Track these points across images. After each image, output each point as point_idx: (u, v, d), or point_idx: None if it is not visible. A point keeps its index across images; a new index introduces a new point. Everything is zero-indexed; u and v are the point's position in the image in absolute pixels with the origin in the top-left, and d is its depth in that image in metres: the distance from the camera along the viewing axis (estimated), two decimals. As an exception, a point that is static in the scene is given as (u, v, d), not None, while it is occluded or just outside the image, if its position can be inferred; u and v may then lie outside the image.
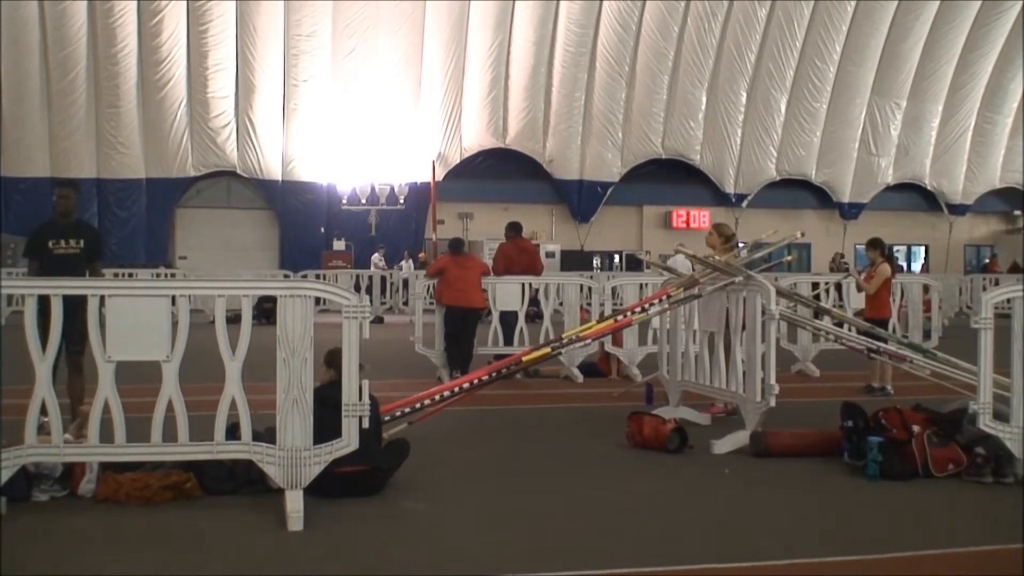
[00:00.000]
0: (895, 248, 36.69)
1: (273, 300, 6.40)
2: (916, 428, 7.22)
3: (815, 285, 15.87)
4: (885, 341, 9.91)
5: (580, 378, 12.69)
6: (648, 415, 8.55)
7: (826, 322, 11.23)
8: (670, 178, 35.68)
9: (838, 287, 15.01)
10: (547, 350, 9.16)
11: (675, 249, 10.81)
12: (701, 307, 9.19)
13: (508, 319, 13.45)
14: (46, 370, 5.92)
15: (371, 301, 22.38)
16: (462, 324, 12.57)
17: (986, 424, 6.80)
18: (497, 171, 33.69)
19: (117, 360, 5.93)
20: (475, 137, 33.37)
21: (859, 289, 12.68)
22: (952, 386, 8.91)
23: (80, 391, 8.24)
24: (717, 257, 9.33)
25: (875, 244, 12.20)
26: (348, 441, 5.98)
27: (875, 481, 7.01)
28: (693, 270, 9.73)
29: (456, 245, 13.59)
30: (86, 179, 30.29)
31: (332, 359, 6.46)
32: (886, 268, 11.92)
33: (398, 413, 7.70)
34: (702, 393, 9.38)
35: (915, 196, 39.22)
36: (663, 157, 35.41)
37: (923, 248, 40.25)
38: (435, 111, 32.52)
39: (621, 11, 32.89)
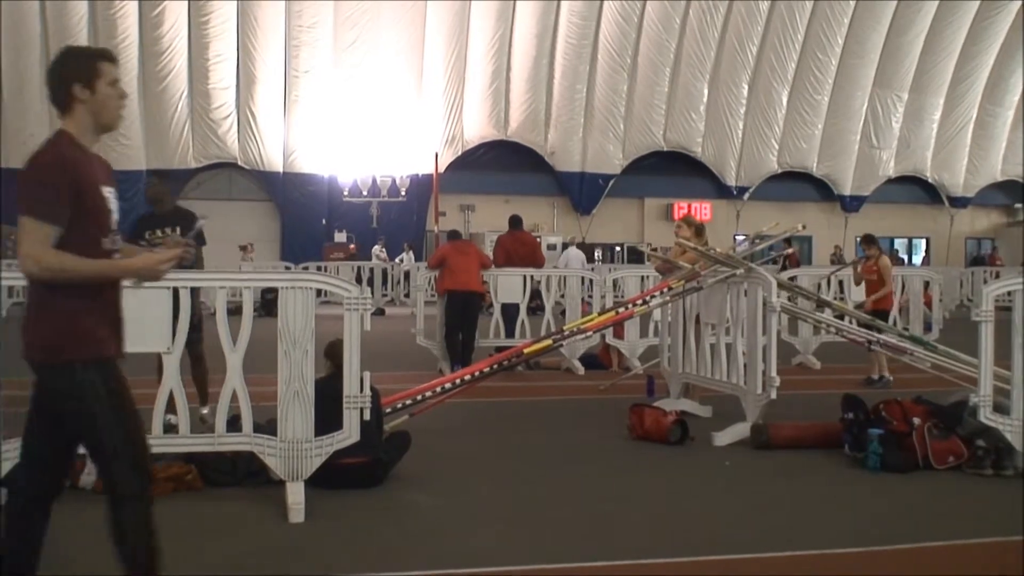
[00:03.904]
0: (895, 241, 36.75)
1: (275, 291, 6.40)
2: (917, 420, 7.23)
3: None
4: (883, 331, 9.93)
5: (581, 370, 12.70)
6: (649, 407, 8.56)
7: (827, 314, 11.23)
8: (672, 170, 35.68)
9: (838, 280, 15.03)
10: (548, 342, 9.16)
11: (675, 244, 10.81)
12: (702, 300, 9.19)
13: (510, 311, 13.46)
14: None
15: (372, 293, 22.39)
16: (464, 311, 12.56)
17: (986, 417, 6.81)
18: (499, 163, 33.69)
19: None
20: (477, 129, 33.37)
21: (857, 282, 12.72)
22: (953, 379, 8.92)
23: (203, 377, 8.45)
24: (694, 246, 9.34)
25: (872, 240, 12.33)
26: (349, 433, 5.98)
27: (876, 473, 7.02)
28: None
29: (455, 235, 13.81)
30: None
31: (330, 351, 6.47)
32: (887, 260, 11.99)
33: (399, 405, 7.70)
34: (702, 384, 9.39)
35: (916, 189, 39.22)
36: (665, 149, 35.40)
37: (924, 241, 40.24)
38: (437, 103, 32.51)
39: (623, 3, 32.88)
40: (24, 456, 3.86)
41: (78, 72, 3.69)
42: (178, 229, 8.21)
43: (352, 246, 29.38)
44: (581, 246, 27.22)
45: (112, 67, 3.80)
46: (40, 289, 3.57)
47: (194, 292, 6.20)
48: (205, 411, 6.75)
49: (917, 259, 39.00)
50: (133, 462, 3.67)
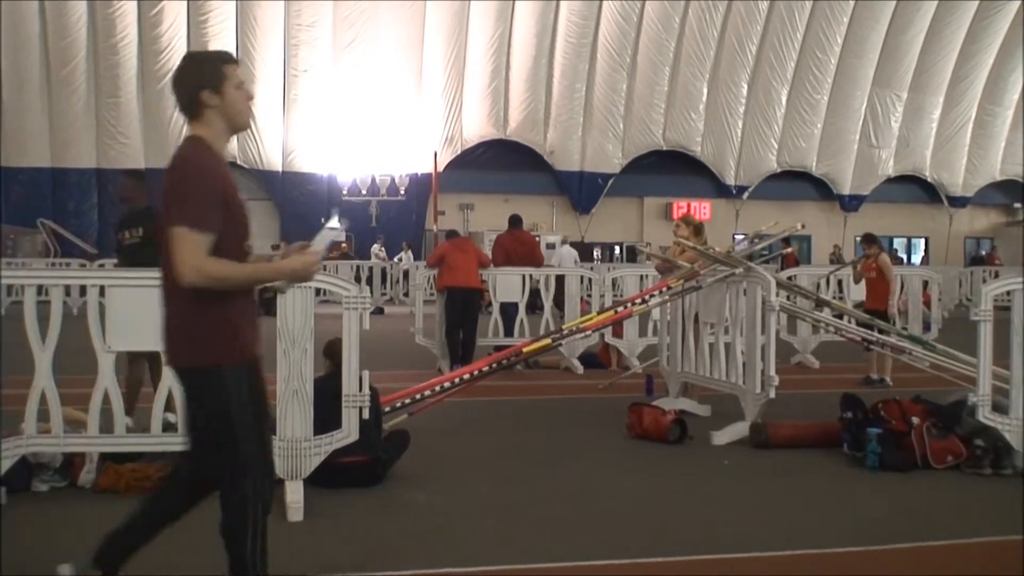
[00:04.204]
0: (895, 240, 36.77)
1: (273, 291, 6.40)
2: (915, 420, 7.23)
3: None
4: (885, 333, 9.93)
5: (580, 369, 12.70)
6: (648, 406, 8.56)
7: (826, 314, 11.24)
8: (671, 169, 35.68)
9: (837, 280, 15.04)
10: (547, 341, 9.16)
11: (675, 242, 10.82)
12: (701, 299, 9.20)
13: (508, 310, 13.47)
14: (47, 360, 5.92)
15: (371, 292, 22.39)
16: (464, 309, 12.56)
17: (985, 416, 6.81)
18: (498, 162, 33.69)
19: (117, 351, 5.93)
20: (476, 128, 33.37)
21: (856, 280, 12.72)
22: (951, 378, 8.93)
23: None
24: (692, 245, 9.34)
25: (872, 239, 12.33)
26: (348, 432, 5.99)
27: (874, 472, 7.02)
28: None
29: (453, 235, 13.84)
30: (86, 169, 30.37)
31: (329, 350, 6.47)
32: (887, 258, 12.00)
33: (398, 404, 7.71)
34: (701, 384, 9.39)
35: (915, 188, 39.23)
36: (664, 148, 35.40)
37: (923, 240, 40.26)
38: (436, 102, 32.51)
39: (622, 2, 32.91)
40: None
41: (205, 78, 3.74)
42: (140, 229, 8.24)
43: (344, 244, 29.37)
44: (577, 245, 27.27)
45: (236, 69, 3.83)
46: (186, 296, 3.58)
47: None
48: (173, 417, 6.57)
49: (916, 258, 39.03)
50: (261, 467, 3.78)
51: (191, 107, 3.75)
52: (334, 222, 3.96)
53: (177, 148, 3.73)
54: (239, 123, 3.81)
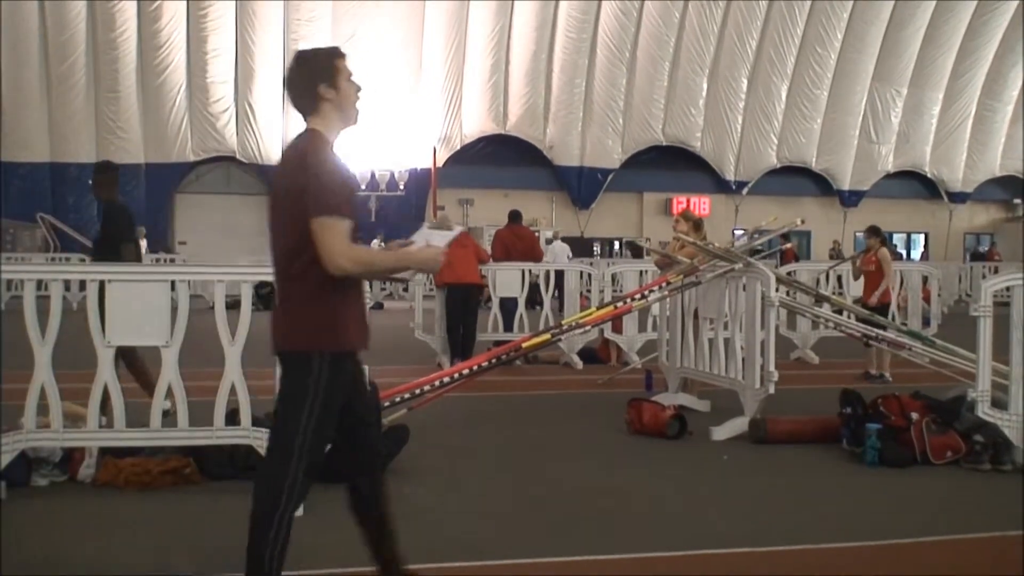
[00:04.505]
0: (894, 236, 36.77)
1: (271, 286, 6.40)
2: (915, 415, 7.23)
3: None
4: (884, 328, 9.93)
5: (580, 364, 12.70)
6: (648, 401, 8.57)
7: (825, 309, 11.24)
8: (670, 165, 35.68)
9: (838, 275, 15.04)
10: (547, 336, 9.16)
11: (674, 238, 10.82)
12: (701, 294, 9.19)
13: (508, 305, 13.47)
14: (46, 355, 5.92)
15: (371, 287, 22.37)
16: (463, 305, 12.56)
17: (985, 412, 6.82)
18: (498, 157, 33.67)
19: (117, 345, 5.93)
20: (475, 123, 33.36)
21: (856, 276, 12.72)
22: (951, 373, 8.92)
23: (142, 367, 7.83)
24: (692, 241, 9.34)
25: (876, 231, 12.29)
26: (347, 427, 5.98)
27: (873, 468, 7.03)
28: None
29: None
30: (85, 164, 30.28)
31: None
32: (887, 252, 11.99)
33: (398, 399, 7.70)
34: (700, 379, 9.40)
35: (915, 184, 39.22)
36: (663, 144, 35.39)
37: (923, 236, 40.26)
38: (436, 97, 32.50)
39: (622, -3, 32.85)
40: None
41: (320, 72, 3.82)
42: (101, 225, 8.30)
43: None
44: (577, 240, 27.23)
45: (346, 63, 3.92)
46: (305, 284, 3.68)
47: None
48: (167, 404, 6.56)
49: (916, 254, 39.04)
50: (308, 458, 3.77)
51: (308, 102, 3.83)
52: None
53: (297, 143, 3.81)
54: (351, 115, 3.95)
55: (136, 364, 7.77)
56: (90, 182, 9.05)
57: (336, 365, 3.75)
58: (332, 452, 4.02)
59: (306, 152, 3.72)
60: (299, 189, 3.63)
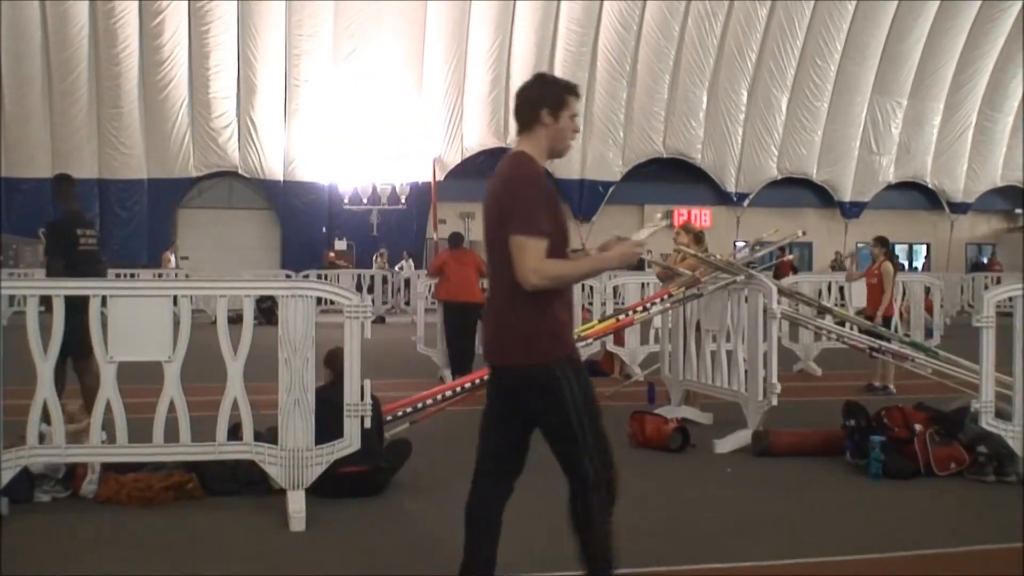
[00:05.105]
0: (896, 247, 36.71)
1: (271, 300, 6.41)
2: (918, 427, 7.22)
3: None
4: (887, 340, 9.92)
5: (581, 377, 12.67)
6: (650, 415, 8.56)
7: (828, 321, 11.23)
8: (671, 177, 35.67)
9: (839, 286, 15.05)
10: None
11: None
12: (703, 307, 9.19)
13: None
14: (48, 370, 5.92)
15: (373, 301, 22.39)
16: (461, 319, 12.54)
17: (988, 423, 6.80)
18: (498, 171, 33.66)
19: (119, 361, 5.93)
20: (476, 137, 33.37)
21: (848, 279, 12.72)
22: (954, 384, 8.92)
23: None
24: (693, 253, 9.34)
25: (882, 242, 12.30)
26: (350, 441, 5.98)
27: (877, 480, 7.01)
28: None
29: (455, 240, 13.59)
30: (88, 179, 30.36)
31: (330, 359, 6.47)
32: (890, 267, 11.99)
33: (400, 413, 7.70)
34: (703, 392, 9.38)
35: (916, 195, 39.19)
36: (664, 156, 35.40)
37: (924, 246, 40.23)
38: (436, 111, 32.53)
39: (622, 10, 32.88)
40: (482, 459, 4.40)
41: (549, 98, 4.00)
42: (93, 232, 8.31)
43: (332, 254, 29.26)
44: (579, 253, 27.11)
45: (577, 103, 4.08)
46: (522, 297, 3.85)
47: (82, 304, 6.05)
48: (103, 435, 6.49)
49: (918, 264, 39.00)
50: (601, 452, 4.02)
51: (527, 121, 4.04)
52: (661, 220, 4.69)
53: (508, 162, 4.03)
54: (559, 149, 4.07)
55: (87, 381, 7.62)
56: (53, 191, 9.09)
57: (573, 364, 3.97)
58: (496, 450, 4.31)
59: (514, 172, 3.94)
60: (506, 207, 3.85)
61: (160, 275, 23.61)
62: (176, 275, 23.76)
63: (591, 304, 14.58)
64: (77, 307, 5.99)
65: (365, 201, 31.15)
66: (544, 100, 3.98)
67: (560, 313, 3.96)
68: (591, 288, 14.98)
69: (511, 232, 3.80)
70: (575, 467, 4.03)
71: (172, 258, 27.09)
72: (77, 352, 6.64)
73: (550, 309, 3.91)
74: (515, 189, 3.88)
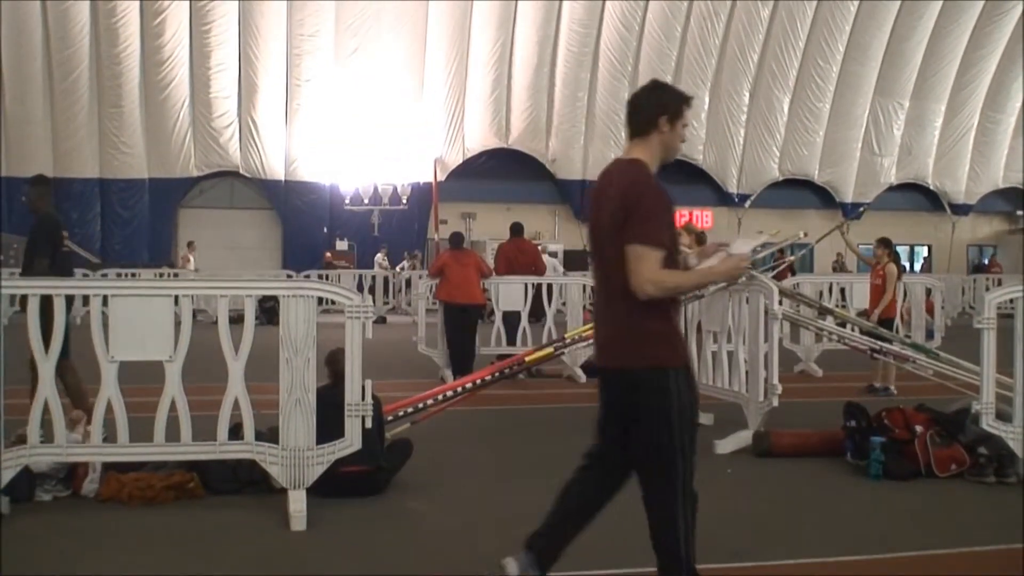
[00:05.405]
0: (897, 248, 36.70)
1: (274, 300, 6.41)
2: (919, 428, 7.22)
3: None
4: (889, 341, 9.92)
5: (583, 378, 12.68)
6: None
7: (829, 322, 11.23)
8: (673, 178, 35.29)
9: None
10: (550, 350, 9.16)
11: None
12: (704, 307, 9.19)
13: (511, 319, 13.46)
14: (50, 370, 5.93)
15: (374, 301, 22.39)
16: (461, 320, 12.55)
17: (989, 424, 6.79)
18: (500, 171, 33.67)
19: (120, 360, 5.94)
20: (478, 137, 33.37)
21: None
22: (955, 386, 8.91)
23: (78, 385, 7.81)
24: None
25: (885, 243, 12.34)
26: (351, 441, 5.98)
27: (878, 481, 7.02)
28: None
29: (456, 240, 13.60)
30: (89, 179, 30.40)
31: (331, 360, 6.47)
32: (893, 269, 12.01)
33: (401, 413, 7.70)
34: (704, 392, 9.37)
35: (918, 196, 39.19)
36: (666, 157, 35.37)
37: (926, 248, 40.21)
38: (438, 111, 32.53)
39: (624, 11, 32.89)
40: (594, 458, 4.45)
41: (668, 107, 4.07)
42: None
43: (328, 254, 29.24)
44: (580, 254, 27.07)
45: (689, 113, 4.18)
46: (641, 305, 3.89)
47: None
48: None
49: (918, 266, 38.97)
50: (695, 462, 4.05)
51: (644, 126, 4.08)
52: (761, 236, 4.80)
53: (625, 168, 4.06)
54: (669, 156, 4.18)
55: (68, 379, 7.60)
56: (23, 199, 9.06)
57: (687, 375, 4.01)
58: (605, 447, 4.33)
59: (635, 181, 3.99)
60: (625, 214, 3.88)
61: (177, 275, 23.55)
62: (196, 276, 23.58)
63: (592, 305, 14.56)
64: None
65: (366, 201, 31.15)
66: (664, 108, 4.05)
67: (674, 320, 4.06)
68: (592, 288, 14.96)
69: (630, 240, 3.85)
70: (668, 474, 4.03)
71: (192, 259, 26.99)
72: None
73: (667, 315, 4.00)
74: (638, 198, 3.92)
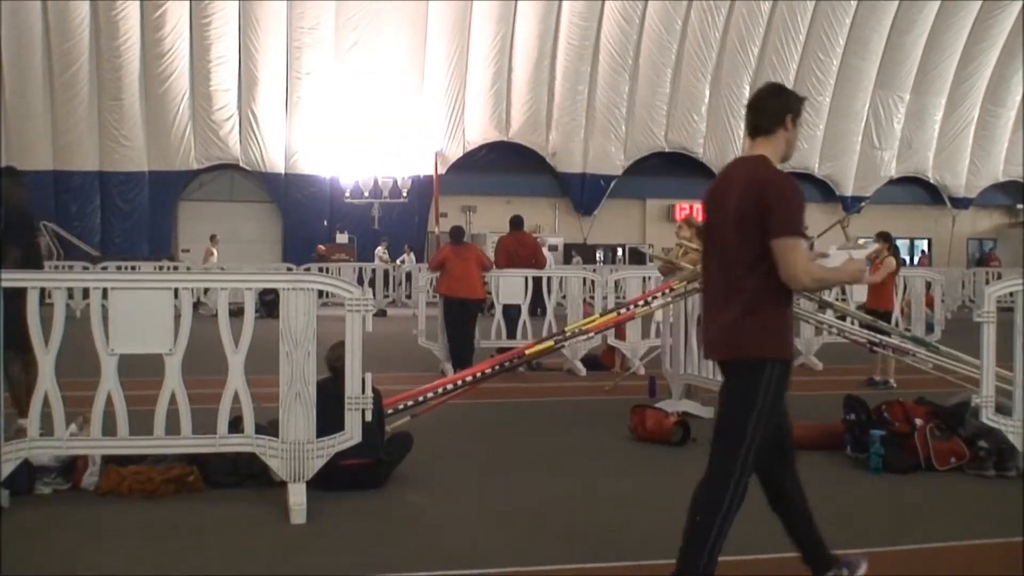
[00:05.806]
0: (897, 241, 36.69)
1: (275, 292, 6.40)
2: (919, 421, 7.23)
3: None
4: (888, 334, 9.92)
5: (583, 371, 12.70)
6: (651, 408, 8.56)
7: (829, 316, 11.23)
8: (673, 171, 35.62)
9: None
10: (550, 343, 9.16)
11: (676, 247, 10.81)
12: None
13: (511, 312, 13.46)
14: (50, 363, 5.93)
15: (374, 294, 22.38)
16: (461, 314, 12.55)
17: (988, 418, 6.79)
18: (500, 164, 33.66)
19: (120, 353, 5.94)
20: (478, 130, 33.35)
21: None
22: (954, 379, 8.91)
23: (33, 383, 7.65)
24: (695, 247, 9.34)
25: (885, 237, 12.36)
26: (351, 434, 5.98)
27: (877, 474, 7.02)
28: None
29: (456, 234, 13.54)
30: (89, 172, 30.40)
31: (331, 356, 6.47)
32: (891, 261, 12.01)
33: (401, 406, 7.70)
34: (704, 385, 9.38)
35: (918, 189, 39.18)
36: (666, 150, 35.37)
37: (926, 241, 40.21)
38: (438, 104, 32.51)
39: (624, 4, 32.85)
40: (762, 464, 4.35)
41: (793, 106, 4.34)
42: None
43: (322, 247, 29.18)
44: (580, 247, 27.13)
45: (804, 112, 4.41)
46: (761, 295, 4.05)
47: (18, 295, 6.01)
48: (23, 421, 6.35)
49: (914, 260, 38.97)
50: (753, 459, 4.12)
51: (771, 124, 4.28)
52: (871, 246, 5.05)
53: (755, 165, 4.18)
54: (790, 152, 4.35)
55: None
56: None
57: (785, 371, 4.13)
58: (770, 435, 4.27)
59: (769, 178, 4.11)
60: (762, 210, 4.00)
61: (189, 268, 23.50)
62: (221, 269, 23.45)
63: (592, 298, 14.58)
64: (14, 300, 5.94)
65: (367, 194, 31.14)
66: (789, 107, 4.29)
67: (788, 316, 4.19)
68: (592, 282, 14.99)
69: (779, 234, 3.97)
70: (723, 460, 4.12)
71: (215, 252, 26.93)
72: (18, 344, 6.31)
73: (786, 311, 4.16)
74: (779, 192, 4.04)
